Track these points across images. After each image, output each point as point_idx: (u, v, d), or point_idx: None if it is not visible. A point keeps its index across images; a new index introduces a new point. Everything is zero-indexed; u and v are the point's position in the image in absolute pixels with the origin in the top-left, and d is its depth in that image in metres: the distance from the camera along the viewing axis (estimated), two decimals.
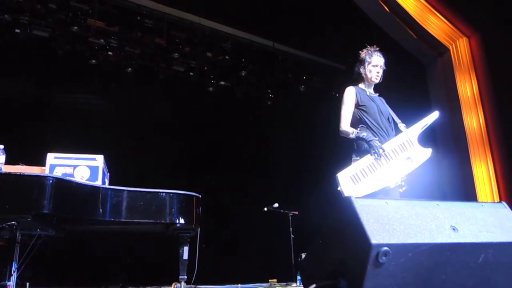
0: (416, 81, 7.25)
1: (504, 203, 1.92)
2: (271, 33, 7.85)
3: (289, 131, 8.32)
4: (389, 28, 6.81)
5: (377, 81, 3.35)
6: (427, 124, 3.25)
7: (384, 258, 1.58)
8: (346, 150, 3.29)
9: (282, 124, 8.31)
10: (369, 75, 3.33)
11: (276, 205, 6.02)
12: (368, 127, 3.19)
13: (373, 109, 3.25)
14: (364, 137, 3.06)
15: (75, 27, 6.75)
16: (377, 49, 3.40)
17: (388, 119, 3.31)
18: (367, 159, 2.97)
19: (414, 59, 7.20)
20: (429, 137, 6.68)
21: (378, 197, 2.87)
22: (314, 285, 1.84)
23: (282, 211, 6.08)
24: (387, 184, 2.93)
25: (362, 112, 3.25)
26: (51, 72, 6.80)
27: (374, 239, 1.59)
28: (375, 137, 3.10)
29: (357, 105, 3.27)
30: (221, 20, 7.52)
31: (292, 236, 6.05)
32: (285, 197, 6.70)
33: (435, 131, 6.82)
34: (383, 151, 2.97)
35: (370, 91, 3.38)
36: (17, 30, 6.62)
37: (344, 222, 1.75)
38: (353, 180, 2.89)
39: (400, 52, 6.94)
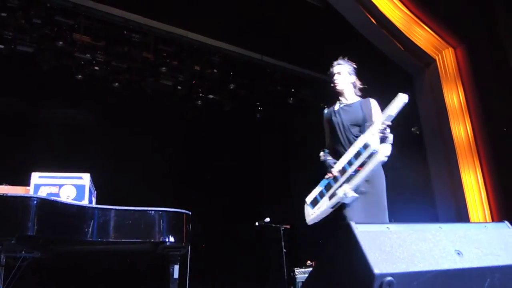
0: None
1: (506, 222, 1.88)
2: (259, 46, 7.82)
3: (278, 143, 8.28)
4: (376, 40, 6.83)
5: (337, 89, 3.22)
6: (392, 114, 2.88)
7: None
8: None
9: (271, 137, 8.27)
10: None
11: (267, 219, 5.94)
12: (334, 146, 3.14)
13: (335, 125, 3.13)
14: (322, 160, 3.08)
15: (60, 42, 6.68)
16: (340, 58, 3.32)
17: (359, 124, 3.07)
18: (324, 181, 2.99)
19: (402, 71, 7.22)
20: (417, 148, 6.72)
21: (342, 212, 2.86)
22: None
23: (273, 225, 5.99)
24: (340, 198, 2.83)
25: (330, 132, 3.20)
26: (35, 88, 6.68)
27: (377, 269, 1.51)
28: (342, 153, 2.97)
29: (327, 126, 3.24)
30: (209, 34, 7.47)
31: (285, 250, 5.97)
32: (276, 211, 6.63)
33: (423, 142, 6.84)
34: (335, 169, 2.90)
35: (344, 101, 3.22)
36: (0, 46, 6.52)
37: (343, 250, 1.67)
38: (311, 205, 2.95)
39: (388, 63, 6.96)
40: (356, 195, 2.77)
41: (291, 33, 7.30)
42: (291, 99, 8.46)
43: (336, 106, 3.21)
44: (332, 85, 3.24)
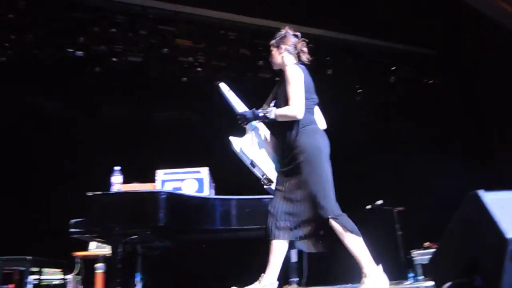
0: None
1: None
2: (354, 28, 7.68)
3: (382, 125, 8.06)
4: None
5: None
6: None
7: None
8: None
9: (375, 118, 8.07)
10: None
11: (379, 202, 5.86)
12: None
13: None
14: None
15: (165, 49, 7.15)
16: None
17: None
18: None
19: None
20: None
21: None
22: (449, 284, 1.76)
23: (386, 207, 5.89)
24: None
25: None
26: (147, 94, 7.25)
27: (510, 234, 1.52)
28: None
29: None
30: (302, 23, 7.49)
31: (400, 232, 5.85)
32: (389, 193, 6.50)
33: None
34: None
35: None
36: (113, 59, 7.18)
37: (474, 218, 1.68)
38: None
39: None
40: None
41: (383, 8, 7.06)
42: (392, 78, 8.18)
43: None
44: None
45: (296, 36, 3.06)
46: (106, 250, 5.07)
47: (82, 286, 5.09)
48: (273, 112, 2.78)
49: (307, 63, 3.00)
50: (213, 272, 6.39)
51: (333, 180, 2.77)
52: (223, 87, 2.91)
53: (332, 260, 6.38)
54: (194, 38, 7.36)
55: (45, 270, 4.66)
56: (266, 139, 2.88)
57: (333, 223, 2.63)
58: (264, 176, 2.82)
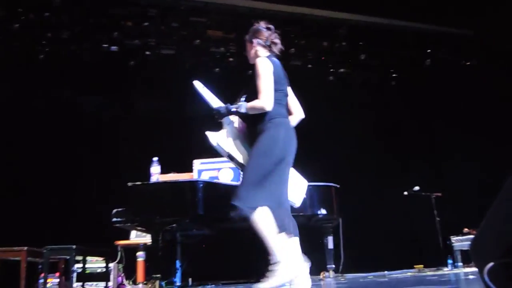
0: None
1: None
2: (387, 11, 7.50)
3: (418, 109, 7.89)
4: None
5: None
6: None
7: None
8: None
9: (410, 103, 7.91)
10: None
11: (416, 188, 5.77)
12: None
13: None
14: None
15: (197, 40, 7.21)
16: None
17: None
18: None
19: None
20: None
21: None
22: (491, 264, 1.73)
23: (423, 194, 5.80)
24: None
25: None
26: (179, 86, 7.34)
27: None
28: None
29: None
30: (333, 8, 7.41)
31: (438, 219, 5.75)
32: (426, 178, 6.40)
33: None
34: None
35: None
36: (147, 52, 7.30)
37: None
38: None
39: None
40: None
41: None
42: (428, 60, 7.98)
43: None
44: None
45: (268, 29, 3.09)
46: (146, 239, 5.22)
47: (123, 274, 5.25)
48: (243, 106, 2.81)
49: (278, 54, 3.05)
50: (249, 260, 6.48)
51: (281, 178, 2.73)
52: (197, 84, 3.04)
53: (366, 248, 6.37)
54: (225, 28, 7.38)
55: (88, 258, 4.82)
56: (241, 132, 2.94)
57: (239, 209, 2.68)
58: (242, 168, 2.87)
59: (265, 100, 2.71)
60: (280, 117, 2.80)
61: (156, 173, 4.05)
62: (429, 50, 7.97)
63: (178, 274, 4.72)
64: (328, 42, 7.64)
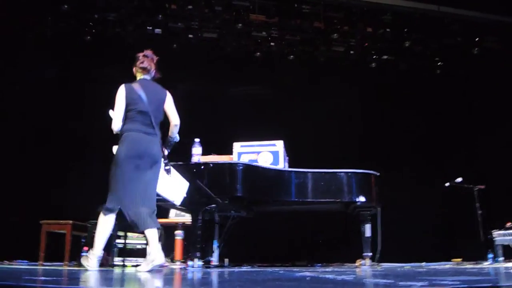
0: None
1: None
2: None
3: (463, 99, 7.64)
4: None
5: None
6: None
7: None
8: None
9: (455, 93, 7.67)
10: None
11: (459, 179, 5.62)
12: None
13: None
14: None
15: (240, 24, 7.22)
16: None
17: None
18: None
19: None
20: None
21: None
22: None
23: (466, 185, 5.64)
24: None
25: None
26: (221, 70, 7.41)
27: None
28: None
29: None
30: None
31: (480, 212, 5.59)
32: (469, 170, 6.22)
33: None
34: None
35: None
36: (190, 35, 7.38)
37: None
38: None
39: None
40: None
41: None
42: (476, 49, 7.67)
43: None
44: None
45: (145, 56, 3.47)
46: (185, 218, 5.34)
47: (162, 252, 5.40)
48: None
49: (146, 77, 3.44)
50: (285, 243, 6.55)
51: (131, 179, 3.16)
52: (112, 114, 3.35)
53: (404, 238, 6.29)
54: (267, 13, 7.34)
55: (129, 234, 4.99)
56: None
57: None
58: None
59: (112, 125, 3.26)
60: (127, 131, 3.22)
61: (197, 154, 4.12)
62: (477, 39, 7.65)
63: (215, 254, 4.82)
64: (372, 28, 7.48)
